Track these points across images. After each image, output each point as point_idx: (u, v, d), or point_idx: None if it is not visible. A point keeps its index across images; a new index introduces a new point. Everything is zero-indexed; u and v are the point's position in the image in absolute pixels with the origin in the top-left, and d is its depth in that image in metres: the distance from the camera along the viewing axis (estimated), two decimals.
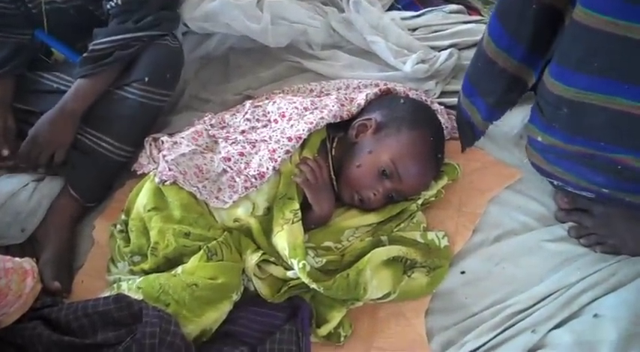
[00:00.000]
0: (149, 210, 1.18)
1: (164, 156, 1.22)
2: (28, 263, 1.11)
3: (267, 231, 1.17)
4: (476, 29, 1.56)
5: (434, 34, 1.61)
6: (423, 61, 1.49)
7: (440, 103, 1.44)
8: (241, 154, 1.23)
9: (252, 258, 1.13)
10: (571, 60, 0.96)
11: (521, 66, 1.10)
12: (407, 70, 1.47)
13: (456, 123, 1.34)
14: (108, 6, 1.35)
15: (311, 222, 1.19)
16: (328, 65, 1.56)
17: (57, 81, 1.41)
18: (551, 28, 1.03)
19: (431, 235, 1.23)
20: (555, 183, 1.19)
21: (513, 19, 1.05)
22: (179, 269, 1.11)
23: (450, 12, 1.67)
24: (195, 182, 1.20)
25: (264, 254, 1.14)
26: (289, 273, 1.13)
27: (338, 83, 1.48)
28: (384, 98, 1.36)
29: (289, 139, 1.20)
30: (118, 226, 1.25)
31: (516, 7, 1.04)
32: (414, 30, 1.63)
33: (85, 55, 1.33)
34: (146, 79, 1.32)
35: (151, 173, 1.24)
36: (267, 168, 1.19)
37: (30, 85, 1.41)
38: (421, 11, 1.69)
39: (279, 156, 1.19)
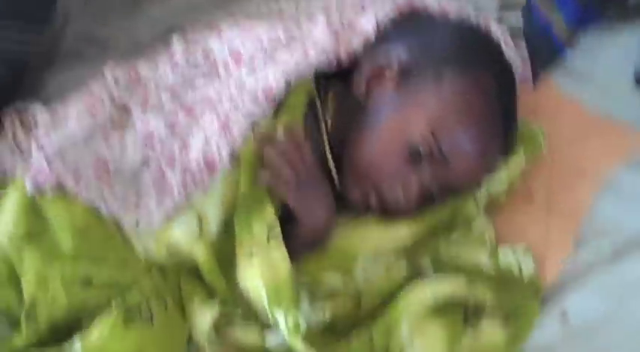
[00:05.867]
0: (18, 239, 1.07)
1: (40, 144, 1.10)
2: None
3: (227, 264, 1.07)
4: None
5: None
6: None
7: (500, 22, 1.33)
8: (172, 128, 1.13)
9: (205, 315, 1.04)
10: None
11: None
12: None
13: (524, 34, 1.29)
14: None
15: (299, 242, 1.10)
16: None
17: None
18: None
19: (505, 254, 1.16)
20: None
21: None
22: (76, 343, 1.01)
23: None
24: (97, 186, 1.09)
25: (223, 305, 1.05)
26: (270, 338, 1.05)
27: None
28: (407, 21, 1.25)
29: (253, 99, 1.12)
30: None
31: None
32: None
33: None
34: None
35: (18, 175, 1.12)
36: (220, 151, 1.09)
37: None
38: None
39: (238, 128, 1.09)
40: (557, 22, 1.23)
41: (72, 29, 1.45)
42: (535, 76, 1.30)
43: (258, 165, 1.09)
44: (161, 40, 1.35)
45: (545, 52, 1.26)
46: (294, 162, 1.10)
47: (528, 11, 1.26)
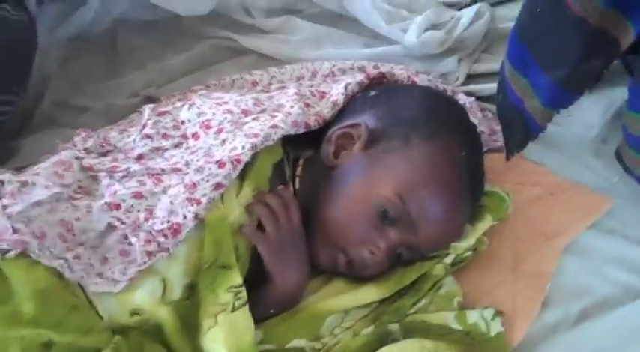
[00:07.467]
0: None
1: (4, 207, 1.08)
2: None
3: (191, 328, 1.07)
4: None
5: None
6: (434, 27, 1.48)
7: (467, 93, 1.40)
8: (138, 196, 1.12)
9: None
10: None
11: (611, 12, 1.04)
12: (410, 42, 1.46)
13: (498, 113, 1.30)
14: None
15: (267, 304, 1.12)
16: (280, 41, 1.57)
17: None
18: None
19: (473, 316, 1.15)
20: None
21: None
22: None
23: None
24: (62, 250, 1.07)
25: None
26: None
27: (298, 69, 1.44)
28: (377, 90, 1.28)
29: (220, 165, 1.11)
30: None
31: None
32: None
33: None
34: None
35: None
36: (185, 217, 1.07)
37: None
38: None
39: (205, 195, 1.08)
40: (530, 100, 1.22)
41: (48, 95, 1.46)
42: (510, 151, 1.30)
43: (226, 227, 1.09)
44: (134, 108, 1.35)
45: (519, 130, 1.27)
46: (280, 221, 1.11)
47: (501, 87, 1.27)
